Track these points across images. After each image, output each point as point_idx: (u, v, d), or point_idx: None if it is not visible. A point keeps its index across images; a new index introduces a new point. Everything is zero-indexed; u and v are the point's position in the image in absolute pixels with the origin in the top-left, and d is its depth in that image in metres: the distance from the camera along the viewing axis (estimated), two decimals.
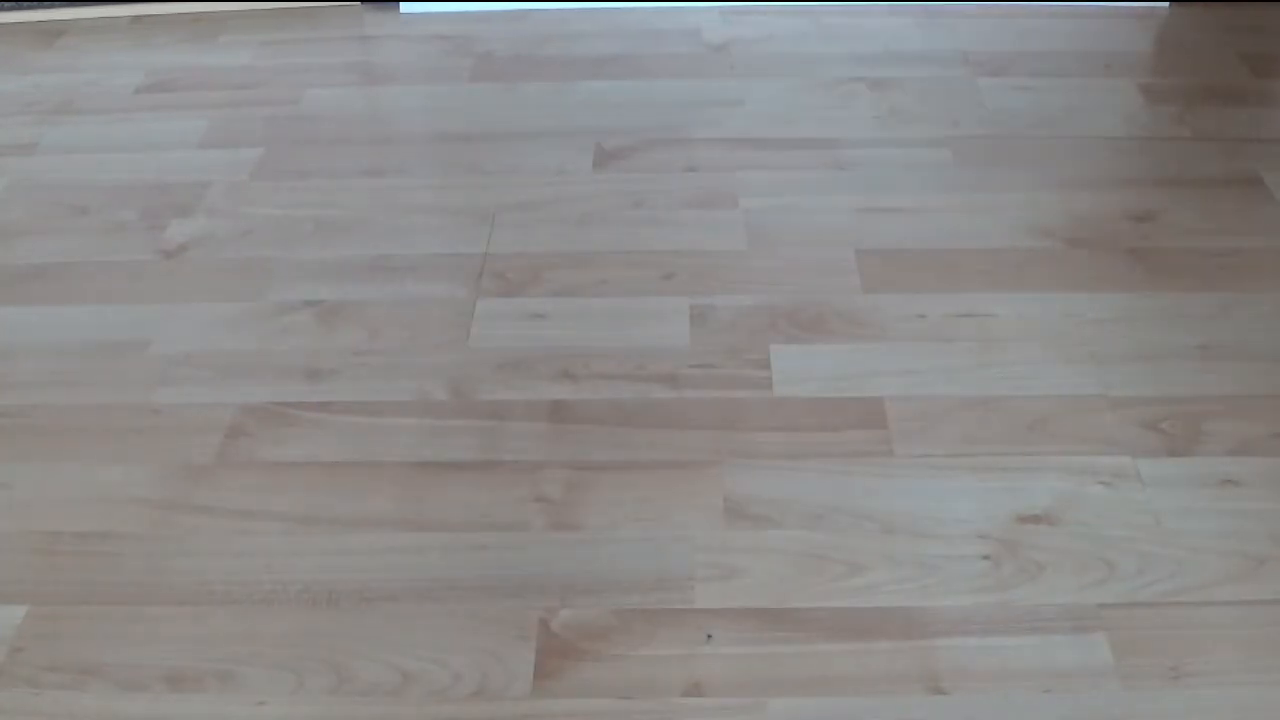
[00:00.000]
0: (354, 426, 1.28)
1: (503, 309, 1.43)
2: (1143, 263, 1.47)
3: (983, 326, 1.38)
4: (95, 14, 2.15)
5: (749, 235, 1.54)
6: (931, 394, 1.29)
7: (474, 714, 1.00)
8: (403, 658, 1.05)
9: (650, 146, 1.73)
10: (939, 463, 1.21)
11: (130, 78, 1.95)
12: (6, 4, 2.12)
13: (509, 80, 1.91)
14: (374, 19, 2.12)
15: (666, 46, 2.00)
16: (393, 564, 1.13)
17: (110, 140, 1.79)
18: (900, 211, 1.57)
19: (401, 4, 2.15)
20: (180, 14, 2.15)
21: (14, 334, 1.42)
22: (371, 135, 1.79)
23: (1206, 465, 1.20)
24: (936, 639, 1.04)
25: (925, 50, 1.96)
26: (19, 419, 1.30)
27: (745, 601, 1.08)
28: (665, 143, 1.74)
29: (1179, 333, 1.36)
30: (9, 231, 1.60)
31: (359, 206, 1.62)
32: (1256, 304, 1.40)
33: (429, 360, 1.36)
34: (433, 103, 1.87)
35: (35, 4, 2.13)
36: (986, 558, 1.12)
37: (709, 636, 1.05)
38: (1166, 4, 2.07)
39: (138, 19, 2.14)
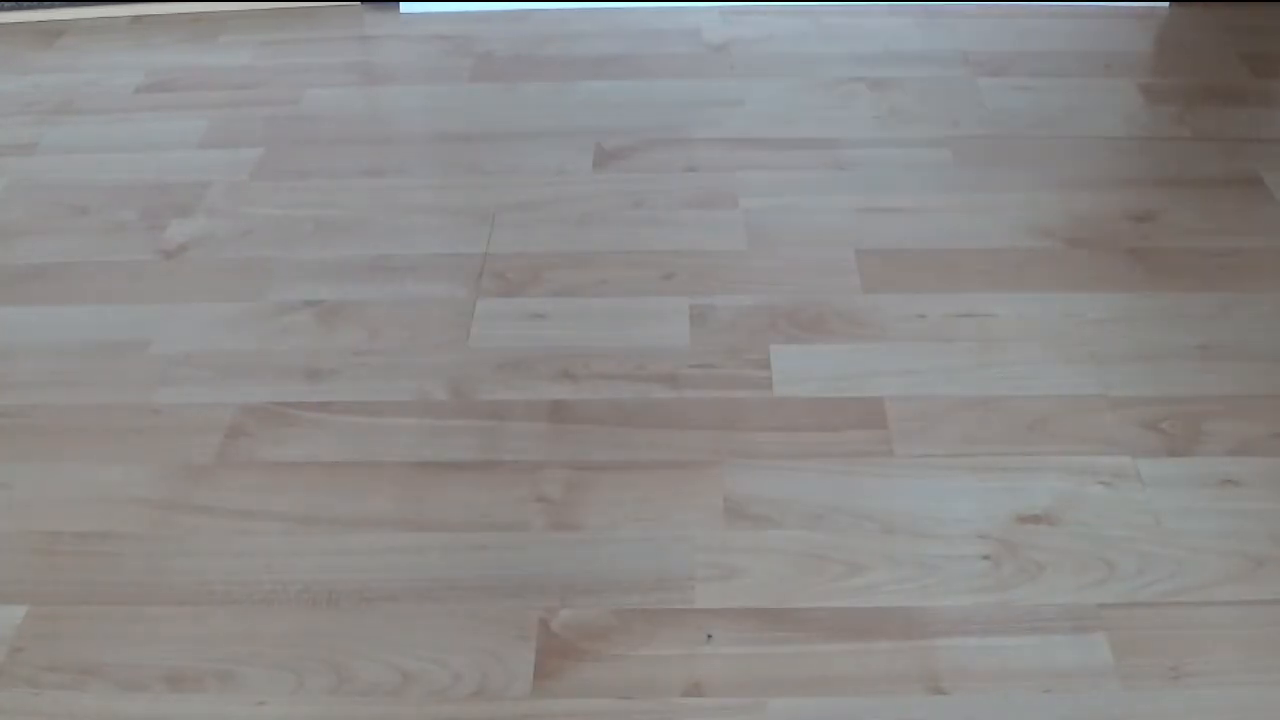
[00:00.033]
0: (354, 426, 1.28)
1: (503, 309, 1.43)
2: (1143, 263, 1.47)
3: (983, 326, 1.38)
4: (95, 14, 2.15)
5: (749, 235, 1.54)
6: (931, 394, 1.29)
7: (474, 714, 1.00)
8: (403, 658, 1.05)
9: (650, 146, 1.73)
10: (939, 463, 1.21)
11: (130, 78, 1.95)
12: (6, 4, 2.12)
13: (509, 80, 1.91)
14: (374, 19, 2.12)
15: (666, 46, 2.00)
16: (393, 564, 1.13)
17: (110, 140, 1.79)
18: (900, 211, 1.57)
19: (401, 4, 2.15)
20: (180, 14, 2.15)
21: (14, 334, 1.42)
22: (371, 135, 1.79)
23: (1206, 465, 1.20)
24: (936, 639, 1.04)
25: (925, 50, 1.96)
26: (19, 419, 1.30)
27: (745, 601, 1.08)
28: (665, 143, 1.74)
29: (1179, 333, 1.36)
30: (9, 231, 1.60)
31: (359, 206, 1.62)
32: (1256, 304, 1.40)
33: (429, 360, 1.36)
34: (433, 103, 1.87)
35: (35, 4, 2.13)
36: (986, 558, 1.12)
37: (709, 636, 1.05)
38: (1166, 4, 2.07)
39: (137, 19, 2.14)
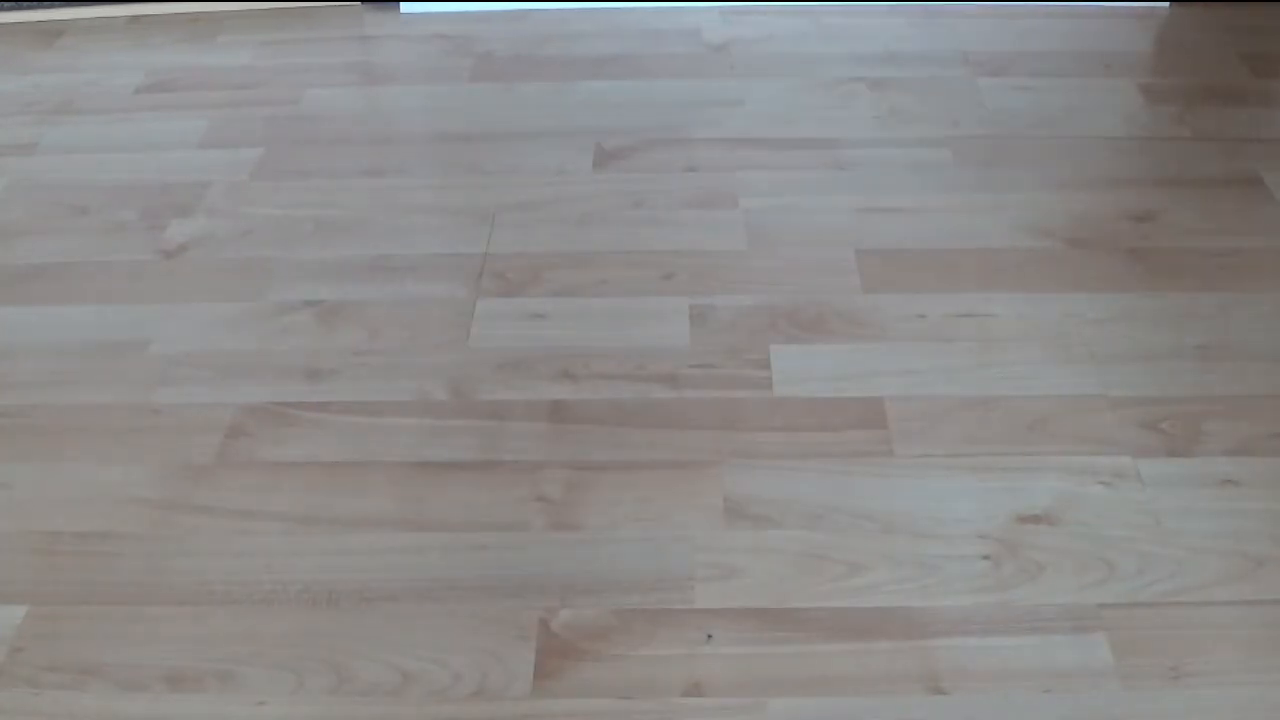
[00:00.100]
0: (354, 426, 1.28)
1: (503, 309, 1.43)
2: (1143, 263, 1.47)
3: (983, 326, 1.38)
4: (95, 14, 2.15)
5: (749, 235, 1.54)
6: (931, 394, 1.29)
7: (474, 714, 1.00)
8: (403, 658, 1.05)
9: (650, 146, 1.73)
10: (939, 463, 1.21)
11: (130, 78, 1.95)
12: (6, 4, 2.12)
13: (509, 80, 1.91)
14: (374, 19, 2.12)
15: (666, 46, 2.00)
16: (393, 564, 1.13)
17: (110, 140, 1.79)
18: (900, 211, 1.57)
19: (401, 4, 2.15)
20: (179, 14, 2.15)
21: (14, 334, 1.42)
22: (371, 135, 1.79)
23: (1206, 465, 1.20)
24: (936, 639, 1.04)
25: (925, 50, 1.96)
26: (19, 419, 1.30)
27: (745, 601, 1.08)
28: (665, 143, 1.74)
29: (1179, 333, 1.36)
30: (9, 231, 1.60)
31: (359, 206, 1.62)
32: (1256, 304, 1.40)
33: (429, 360, 1.36)
34: (433, 103, 1.87)
35: (35, 4, 2.13)
36: (986, 558, 1.12)
37: (709, 636, 1.05)
38: (1166, 4, 2.07)
39: (137, 19, 2.14)
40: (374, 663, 1.04)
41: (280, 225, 1.59)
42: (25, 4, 2.13)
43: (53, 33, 2.10)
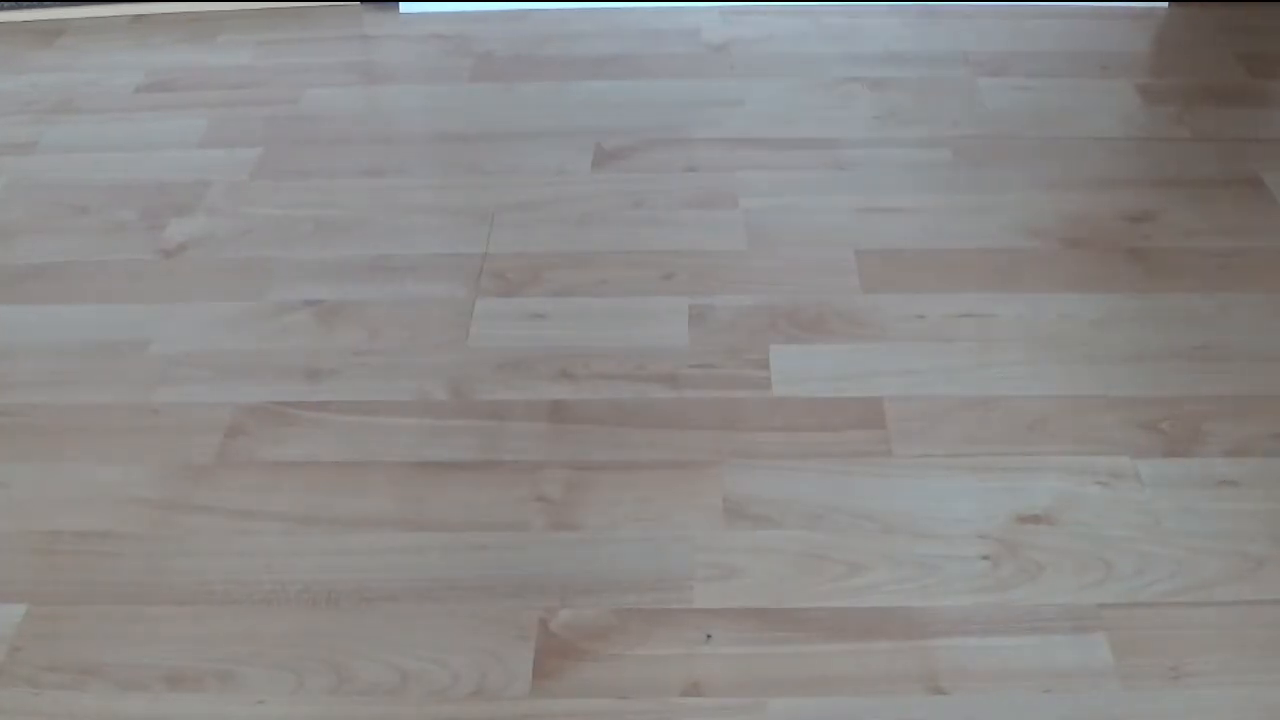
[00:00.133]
0: (354, 426, 1.28)
1: (502, 309, 1.43)
2: (1142, 263, 1.48)
3: (983, 326, 1.38)
4: (94, 14, 2.15)
5: (749, 235, 1.54)
6: (931, 394, 1.29)
7: (473, 714, 1.00)
8: (403, 658, 1.05)
9: (650, 146, 1.73)
10: (939, 463, 1.21)
11: (130, 77, 1.95)
12: (6, 4, 2.12)
13: (509, 80, 1.91)
14: (373, 19, 2.12)
15: (666, 46, 2.00)
16: (393, 564, 1.13)
17: (110, 140, 1.79)
18: (900, 211, 1.57)
19: (401, 4, 2.15)
20: (179, 14, 2.15)
21: (14, 334, 1.42)
22: (371, 135, 1.79)
23: (1206, 465, 1.20)
24: (936, 639, 1.04)
25: (925, 50, 1.96)
26: (19, 419, 1.30)
27: (745, 601, 1.08)
28: (665, 143, 1.74)
29: (1178, 333, 1.37)
30: (9, 231, 1.60)
31: (359, 206, 1.62)
32: (1256, 304, 1.40)
33: (429, 360, 1.36)
34: (433, 103, 1.87)
35: (35, 4, 2.13)
36: (986, 558, 1.12)
37: (708, 636, 1.05)
38: (1165, 4, 2.07)
39: (137, 19, 2.14)
40: (374, 663, 1.04)
41: (280, 225, 1.59)
42: (25, 3, 2.13)
43: (53, 32, 2.10)
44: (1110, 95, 1.82)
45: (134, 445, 1.26)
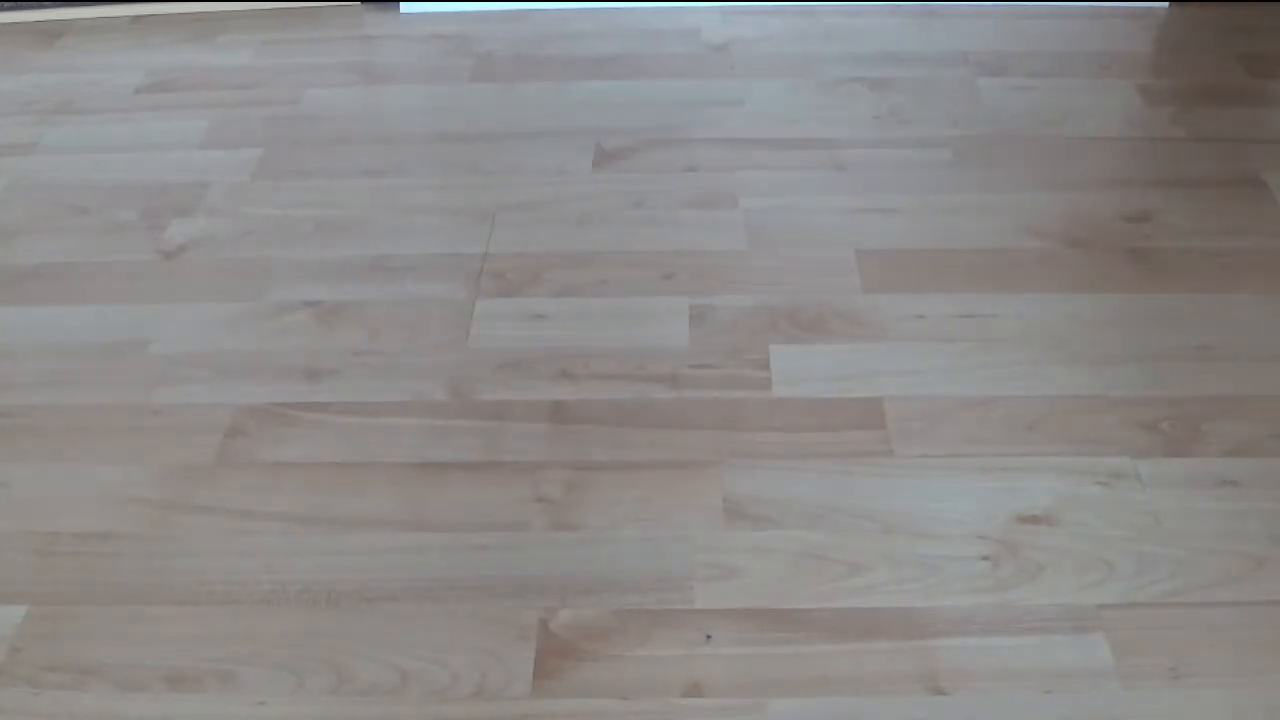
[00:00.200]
0: (354, 427, 1.28)
1: (502, 309, 1.43)
2: (1142, 263, 1.47)
3: (983, 326, 1.38)
4: (95, 14, 2.15)
5: (749, 235, 1.54)
6: (931, 394, 1.29)
7: (474, 714, 1.00)
8: (403, 658, 1.05)
9: (650, 146, 1.73)
10: (939, 463, 1.21)
11: (130, 78, 1.95)
12: (6, 4, 2.12)
13: (509, 80, 1.91)
14: (374, 19, 2.12)
15: (666, 46, 2.00)
16: (393, 564, 1.13)
17: (110, 140, 1.79)
18: (900, 211, 1.57)
19: (401, 4, 2.15)
20: (180, 14, 2.15)
21: (14, 334, 1.42)
22: (371, 135, 1.79)
23: (1205, 465, 1.20)
24: (936, 639, 1.04)
25: (925, 50, 1.96)
26: (19, 419, 1.30)
27: (745, 602, 1.08)
28: (665, 143, 1.74)
29: (1178, 333, 1.37)
30: (9, 231, 1.60)
31: (359, 206, 1.62)
32: (1256, 304, 1.40)
33: (429, 360, 1.36)
34: (433, 103, 1.87)
35: (35, 4, 2.13)
36: (986, 558, 1.12)
37: (709, 637, 1.05)
38: (1165, 4, 2.07)
39: (137, 19, 2.14)
40: (374, 663, 1.04)
41: (280, 225, 1.59)
42: (25, 4, 2.13)
43: (53, 33, 2.10)
44: (1110, 95, 1.82)
45: (134, 445, 1.26)
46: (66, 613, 1.09)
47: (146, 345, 1.39)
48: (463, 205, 1.62)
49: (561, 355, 1.36)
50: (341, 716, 1.01)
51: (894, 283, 1.45)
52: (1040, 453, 1.22)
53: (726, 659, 1.04)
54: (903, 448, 1.23)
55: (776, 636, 1.05)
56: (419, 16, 2.13)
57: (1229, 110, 1.78)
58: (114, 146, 1.77)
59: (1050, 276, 1.45)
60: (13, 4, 2.12)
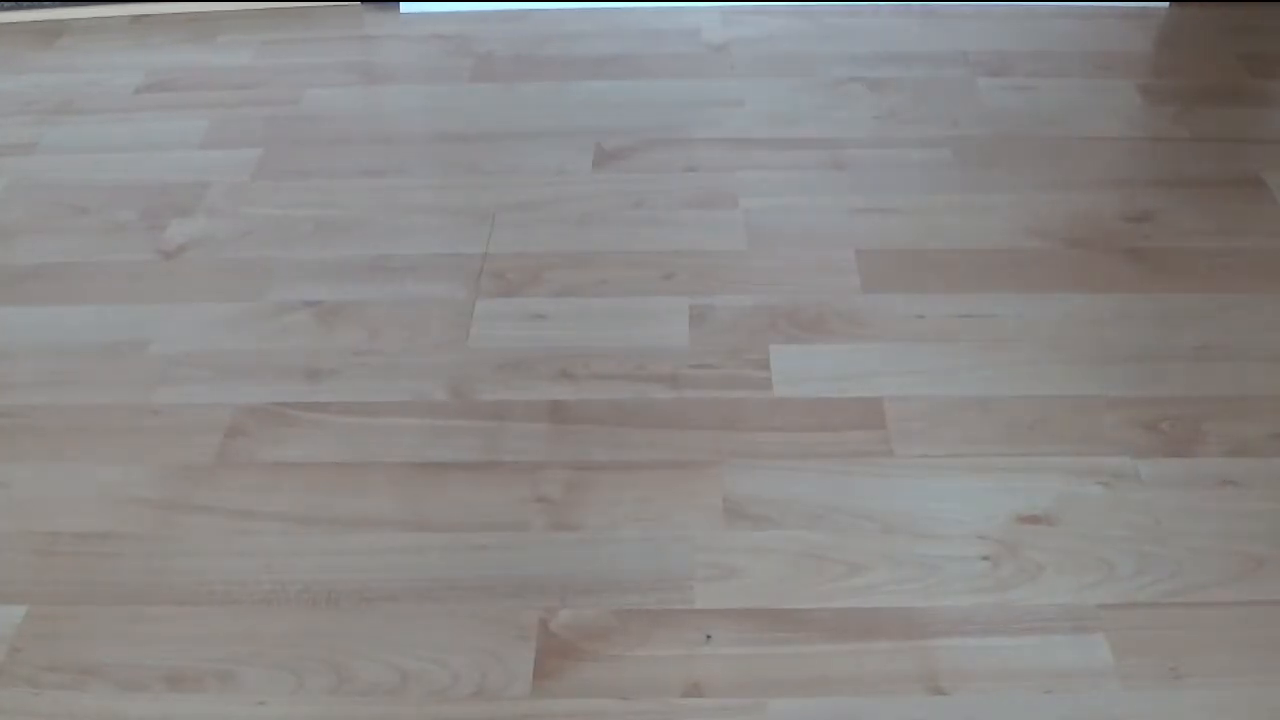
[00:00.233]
0: (354, 427, 1.28)
1: (502, 309, 1.43)
2: (1142, 263, 1.47)
3: (983, 326, 1.38)
4: (95, 14, 2.15)
5: (749, 235, 1.54)
6: (931, 394, 1.29)
7: (473, 714, 1.00)
8: (403, 658, 1.05)
9: (650, 146, 1.73)
10: (939, 463, 1.21)
11: (130, 78, 1.95)
12: (6, 4, 2.12)
13: (509, 80, 1.91)
14: (374, 19, 2.12)
15: (666, 46, 2.00)
16: (393, 564, 1.13)
17: (110, 140, 1.79)
18: (900, 211, 1.57)
19: (401, 4, 2.15)
20: (180, 14, 2.15)
21: (14, 334, 1.42)
22: (371, 135, 1.79)
23: (1205, 466, 1.20)
24: (936, 639, 1.04)
25: (925, 50, 1.96)
26: (19, 419, 1.30)
27: (745, 602, 1.08)
28: (665, 143, 1.74)
29: (1179, 333, 1.37)
30: (9, 231, 1.60)
31: (359, 206, 1.62)
32: (1256, 304, 1.40)
33: (429, 360, 1.36)
34: (433, 103, 1.87)
35: (35, 4, 2.13)
36: (986, 558, 1.12)
37: (708, 637, 1.05)
38: (1166, 4, 2.07)
39: (137, 19, 2.14)
40: (374, 663, 1.04)
41: (280, 225, 1.59)
42: (25, 4, 2.13)
43: (53, 33, 2.10)
44: (1110, 95, 1.82)
45: (134, 445, 1.26)
46: (66, 613, 1.09)
47: (146, 345, 1.39)
48: (463, 205, 1.62)
49: (561, 355, 1.36)
50: (341, 716, 1.01)
51: (894, 283, 1.45)
52: (1040, 453, 1.22)
53: (726, 659, 1.04)
54: (903, 448, 1.23)
55: (776, 636, 1.05)
56: (419, 16, 2.13)
57: (1229, 110, 1.78)
58: (114, 146, 1.77)
59: (1050, 276, 1.45)
60: (13, 4, 2.12)
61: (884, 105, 1.81)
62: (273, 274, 1.50)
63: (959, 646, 1.04)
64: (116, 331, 1.41)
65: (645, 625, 1.07)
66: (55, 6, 2.14)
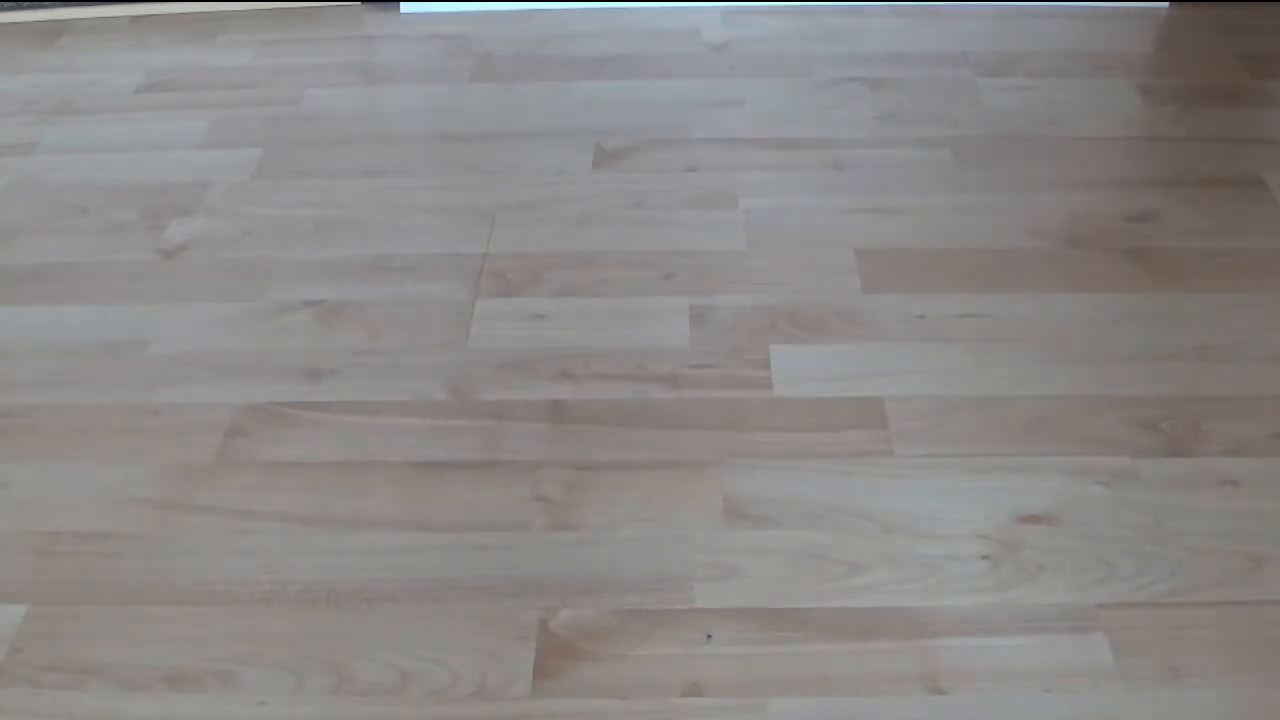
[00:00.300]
0: (354, 426, 1.28)
1: (502, 309, 1.43)
2: (1142, 263, 1.47)
3: (983, 326, 1.38)
4: (95, 14, 2.15)
5: (749, 235, 1.54)
6: (931, 394, 1.29)
7: (473, 714, 1.00)
8: (403, 658, 1.05)
9: (650, 146, 1.73)
10: (939, 463, 1.21)
11: (130, 78, 1.95)
12: (6, 4, 2.12)
13: (509, 80, 1.91)
14: (374, 19, 2.12)
15: (666, 46, 2.00)
16: (393, 564, 1.13)
17: (110, 140, 1.79)
18: (900, 211, 1.57)
19: (401, 4, 2.15)
20: (180, 14, 2.15)
21: (14, 334, 1.42)
22: (371, 135, 1.79)
23: (1206, 465, 1.20)
24: (936, 639, 1.04)
25: (925, 50, 1.96)
26: (19, 419, 1.30)
27: (745, 601, 1.08)
28: (665, 143, 1.74)
29: (1179, 333, 1.37)
30: (9, 231, 1.60)
31: (359, 206, 1.62)
32: (1256, 304, 1.40)
33: (429, 360, 1.36)
34: (433, 103, 1.87)
35: (35, 4, 2.13)
36: (986, 558, 1.12)
37: (709, 636, 1.05)
38: (1165, 4, 2.07)
39: (138, 19, 2.14)
40: (374, 663, 1.04)
41: (280, 225, 1.59)
42: (25, 4, 2.13)
43: (53, 33, 2.10)
44: (1111, 95, 1.82)
45: (134, 445, 1.26)
46: (66, 613, 1.09)
47: (146, 345, 1.39)
48: (463, 205, 1.62)
49: (561, 355, 1.36)
50: (341, 716, 1.01)
51: (894, 283, 1.45)
52: (1040, 453, 1.22)
53: (726, 659, 1.04)
54: (903, 448, 1.23)
55: (776, 636, 1.05)
56: (419, 16, 2.13)
57: (1229, 110, 1.78)
58: (114, 146, 1.77)
59: (1050, 276, 1.45)
60: (13, 4, 2.12)
61: (884, 105, 1.81)
62: (273, 274, 1.50)
63: (959, 646, 1.04)
64: (116, 331, 1.41)
65: (645, 625, 1.07)
66: (55, 6, 2.14)
